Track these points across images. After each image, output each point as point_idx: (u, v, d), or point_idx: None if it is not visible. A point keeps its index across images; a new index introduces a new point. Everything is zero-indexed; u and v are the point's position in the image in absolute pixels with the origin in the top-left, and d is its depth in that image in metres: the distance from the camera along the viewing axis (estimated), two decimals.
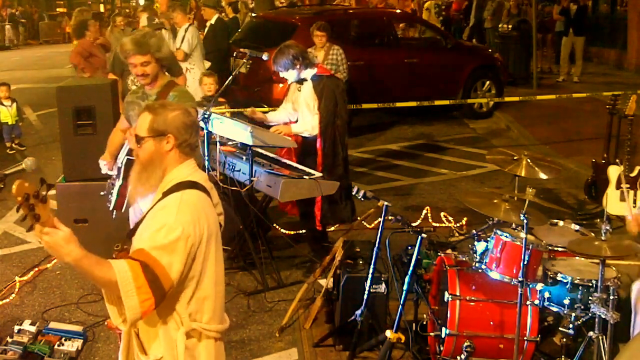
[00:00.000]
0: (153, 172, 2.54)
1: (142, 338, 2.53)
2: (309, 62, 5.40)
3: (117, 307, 2.37)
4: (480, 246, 3.99)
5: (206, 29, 10.14)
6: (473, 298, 3.89)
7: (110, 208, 4.41)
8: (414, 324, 4.29)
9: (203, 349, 2.55)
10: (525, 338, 3.76)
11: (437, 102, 9.56)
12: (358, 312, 4.08)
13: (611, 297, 3.52)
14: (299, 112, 5.46)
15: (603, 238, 3.51)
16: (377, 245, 4.05)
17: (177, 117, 2.55)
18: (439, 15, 14.73)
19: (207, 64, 8.96)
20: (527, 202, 3.71)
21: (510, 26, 13.88)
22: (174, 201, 2.44)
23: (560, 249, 4.12)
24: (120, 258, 2.59)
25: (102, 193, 4.53)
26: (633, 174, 5.86)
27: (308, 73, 5.36)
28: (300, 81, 5.40)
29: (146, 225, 2.47)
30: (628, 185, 5.81)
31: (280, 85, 8.89)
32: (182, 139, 2.54)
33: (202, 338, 2.55)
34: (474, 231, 4.35)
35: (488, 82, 10.97)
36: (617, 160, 6.07)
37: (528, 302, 3.78)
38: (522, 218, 3.56)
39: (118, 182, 4.31)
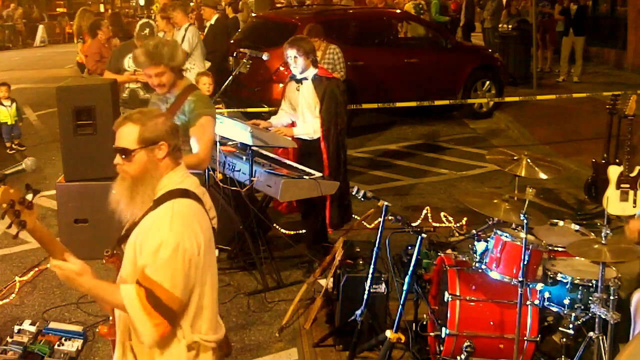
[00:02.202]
0: (150, 183, 2.46)
1: (137, 351, 2.48)
2: (316, 61, 5.43)
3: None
4: (480, 246, 3.99)
5: (206, 29, 10.14)
6: (473, 298, 3.89)
7: None
8: (414, 324, 4.29)
9: None
10: (525, 338, 3.76)
11: (437, 102, 9.57)
12: (358, 312, 4.08)
13: (611, 298, 3.52)
14: (299, 113, 5.44)
15: (603, 241, 3.50)
16: (377, 245, 4.05)
17: (165, 122, 2.49)
18: (416, 13, 14.62)
19: (207, 64, 8.95)
20: (527, 202, 3.71)
21: (510, 26, 13.88)
22: (165, 214, 2.39)
23: (560, 249, 4.12)
24: (111, 264, 2.59)
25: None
26: (633, 174, 5.86)
27: (310, 72, 5.36)
28: (300, 80, 5.39)
29: (141, 242, 2.40)
30: (628, 185, 5.82)
31: (280, 85, 8.89)
32: (173, 144, 2.49)
33: (200, 351, 2.51)
34: (474, 231, 4.36)
35: (488, 82, 10.97)
36: (617, 160, 6.08)
37: (528, 302, 3.78)
38: (522, 218, 3.56)
39: None
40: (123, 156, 2.45)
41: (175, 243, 2.33)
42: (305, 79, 5.36)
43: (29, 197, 2.13)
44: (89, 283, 2.23)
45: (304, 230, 5.96)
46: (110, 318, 2.62)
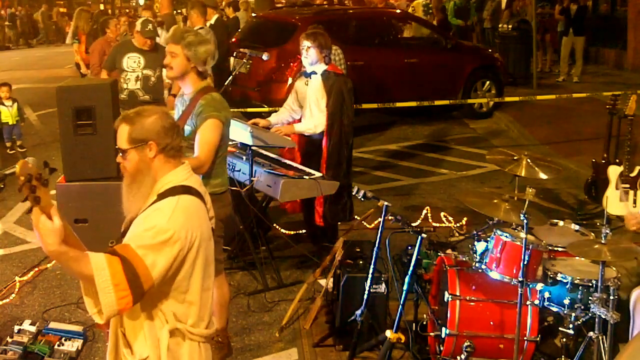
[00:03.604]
0: (142, 181, 2.52)
1: (129, 337, 2.51)
2: (328, 57, 5.44)
3: (93, 299, 2.35)
4: (480, 246, 3.99)
5: None
6: (473, 298, 3.89)
7: None
8: (414, 324, 4.29)
9: (186, 351, 2.54)
10: (525, 338, 3.76)
11: (437, 102, 9.56)
12: (358, 312, 4.08)
13: (611, 297, 3.52)
14: (306, 108, 5.42)
15: (603, 241, 3.50)
16: (377, 245, 4.05)
17: (155, 122, 2.52)
18: (425, 14, 14.58)
19: None
20: (527, 202, 3.71)
21: (510, 26, 13.88)
22: (169, 205, 2.43)
23: (560, 249, 4.12)
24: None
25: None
26: (633, 174, 5.86)
27: (320, 67, 5.35)
28: (309, 75, 5.38)
29: (138, 224, 2.45)
30: (628, 185, 5.82)
31: (280, 85, 8.90)
32: (164, 144, 2.52)
33: (186, 339, 2.54)
34: (474, 231, 4.36)
35: (488, 82, 10.97)
36: (617, 160, 6.08)
37: (528, 302, 3.78)
38: (522, 218, 3.56)
39: None
40: (121, 155, 2.54)
41: (172, 232, 2.36)
42: (315, 73, 5.35)
43: (46, 174, 2.14)
44: (56, 245, 2.16)
45: (304, 230, 5.95)
46: None
